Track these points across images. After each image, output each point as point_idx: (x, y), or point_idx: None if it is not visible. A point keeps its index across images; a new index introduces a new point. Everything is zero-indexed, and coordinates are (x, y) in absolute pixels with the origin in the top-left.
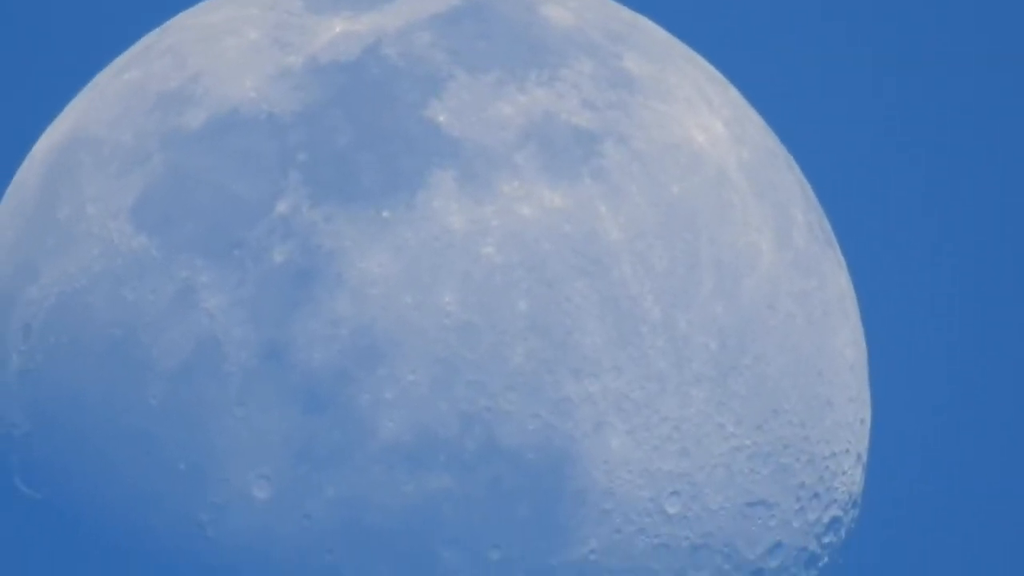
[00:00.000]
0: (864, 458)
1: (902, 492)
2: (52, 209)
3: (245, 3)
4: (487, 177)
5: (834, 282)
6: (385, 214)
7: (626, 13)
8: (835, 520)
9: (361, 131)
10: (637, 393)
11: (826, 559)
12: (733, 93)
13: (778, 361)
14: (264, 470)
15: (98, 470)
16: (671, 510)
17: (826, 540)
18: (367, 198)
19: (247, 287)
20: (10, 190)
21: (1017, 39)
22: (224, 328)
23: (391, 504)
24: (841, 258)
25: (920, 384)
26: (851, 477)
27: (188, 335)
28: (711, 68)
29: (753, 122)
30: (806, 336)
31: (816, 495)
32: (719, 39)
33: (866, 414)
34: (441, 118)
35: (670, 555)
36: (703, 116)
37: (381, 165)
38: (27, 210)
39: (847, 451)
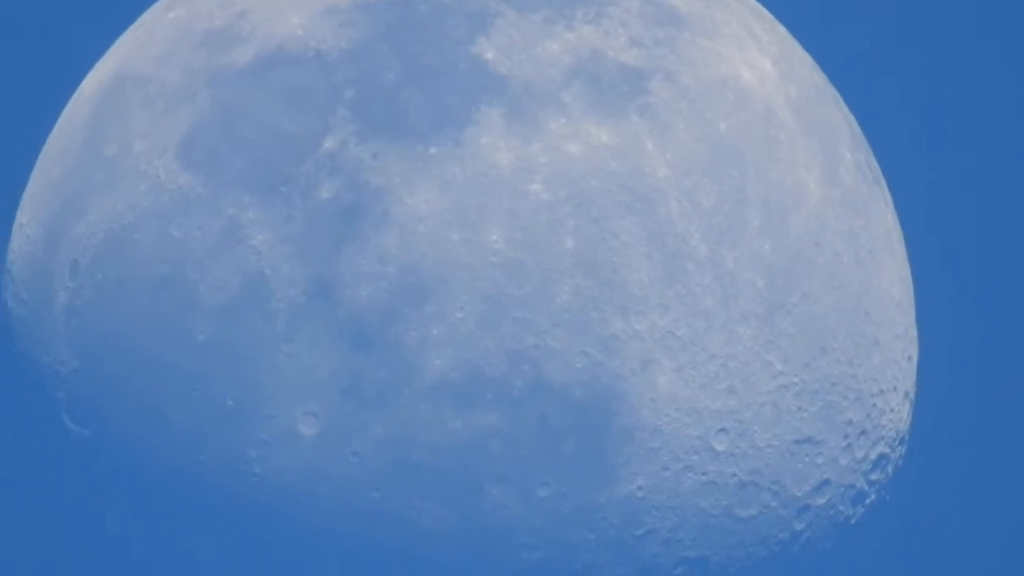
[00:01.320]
0: (911, 395)
1: (950, 429)
2: (99, 147)
3: None
4: (534, 114)
5: (881, 220)
6: (432, 151)
7: None
8: (882, 457)
9: (408, 68)
10: (684, 331)
11: (873, 496)
12: (781, 30)
13: (825, 299)
14: (311, 407)
15: (145, 407)
16: (718, 448)
17: (873, 477)
18: (414, 135)
19: (294, 224)
20: (57, 128)
21: None
22: (271, 265)
23: (438, 442)
24: (888, 196)
25: (967, 321)
26: (898, 414)
27: (235, 272)
28: (758, 5)
29: (801, 59)
30: (853, 274)
31: (863, 432)
32: None
33: (913, 352)
34: (489, 55)
35: (717, 492)
36: (751, 53)
37: (428, 102)
38: (74, 148)
39: (894, 389)
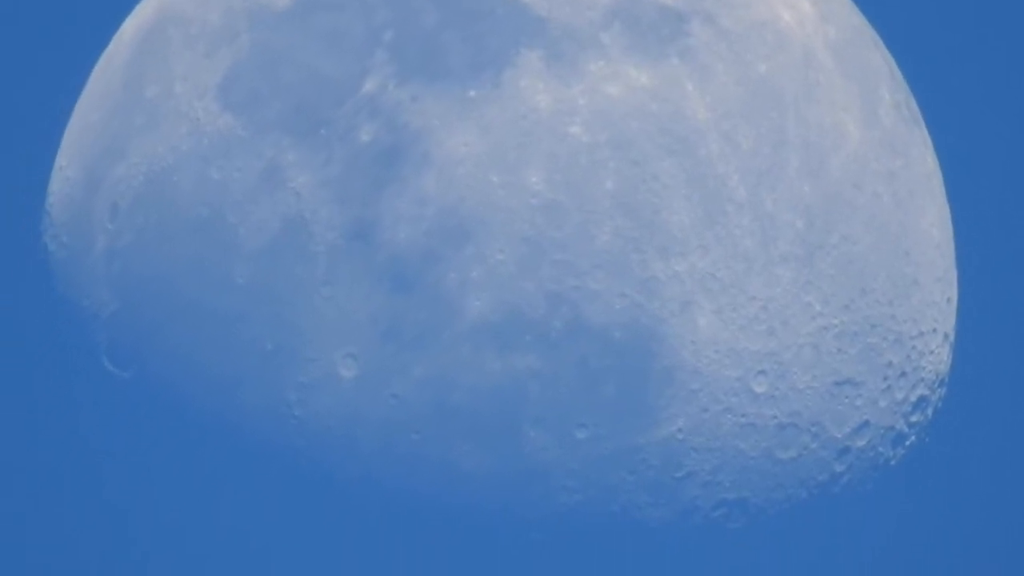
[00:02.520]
0: (951, 337)
1: (989, 371)
2: (140, 88)
3: None
4: (573, 57)
5: (921, 161)
6: (471, 93)
7: None
8: (922, 399)
9: (447, 10)
10: (724, 272)
11: (913, 438)
12: None
13: (865, 240)
14: (351, 350)
15: (185, 349)
16: (758, 389)
17: (913, 419)
18: (453, 77)
19: (334, 166)
20: (97, 70)
21: None
22: (311, 207)
23: (477, 384)
24: (928, 137)
25: (1007, 262)
26: (938, 356)
27: (274, 214)
28: None
29: (839, 0)
30: (893, 216)
31: (903, 374)
32: None
33: (953, 293)
34: None
35: (757, 434)
36: None
37: (467, 44)
38: (115, 89)
39: (934, 330)
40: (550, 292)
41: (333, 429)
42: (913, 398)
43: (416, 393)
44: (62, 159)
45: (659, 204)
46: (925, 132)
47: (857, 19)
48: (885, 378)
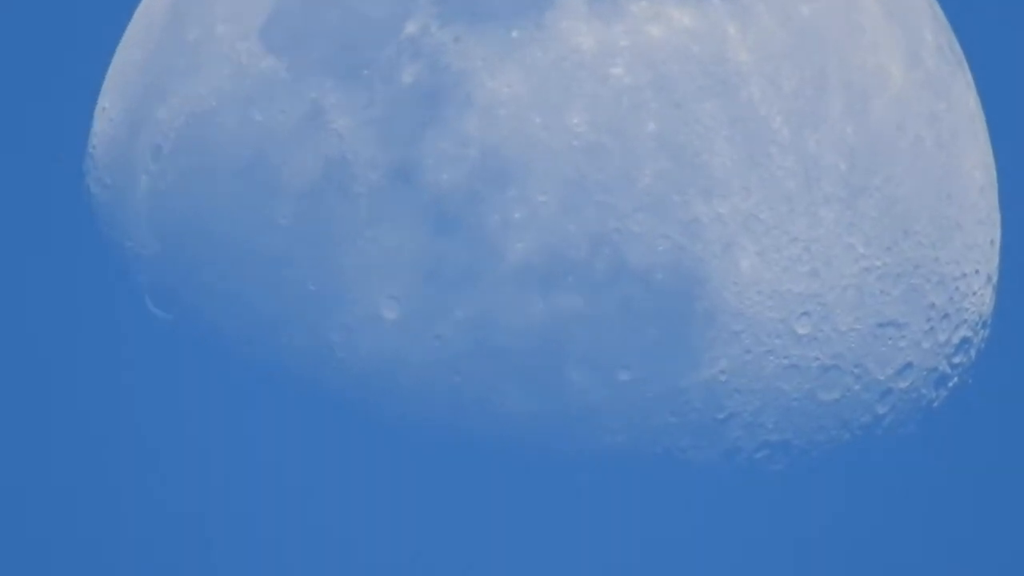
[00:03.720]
0: (994, 279)
1: None
2: (182, 30)
3: None
4: None
5: (963, 103)
6: (514, 34)
7: None
8: (965, 341)
9: None
10: (766, 214)
11: (956, 380)
12: None
13: (908, 182)
14: (393, 291)
15: (228, 291)
16: (801, 331)
17: (956, 361)
18: (496, 18)
19: (376, 108)
20: (139, 12)
21: None
22: (353, 149)
23: (520, 325)
24: (971, 79)
25: None
26: (981, 298)
27: (317, 156)
28: None
29: None
30: (935, 158)
31: (946, 315)
32: None
33: (996, 235)
34: None
35: (800, 376)
36: None
37: None
38: (156, 31)
39: (977, 272)
40: (592, 234)
41: (375, 370)
42: (956, 340)
43: (458, 334)
44: (104, 101)
45: (701, 146)
46: (968, 74)
47: None
48: (928, 319)
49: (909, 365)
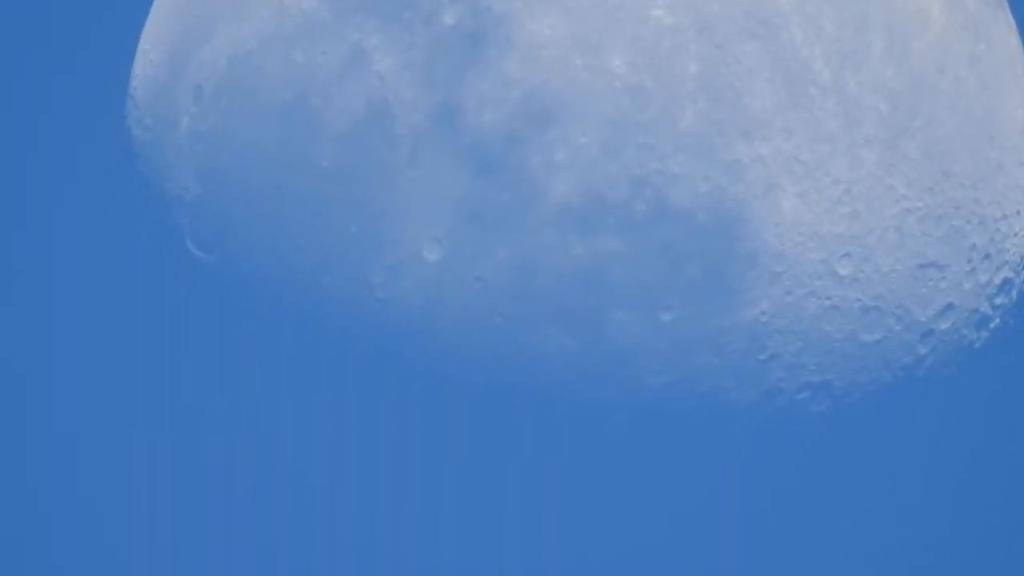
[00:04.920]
0: None
1: None
2: None
3: None
4: None
5: (1004, 45)
6: None
7: None
8: (1006, 282)
9: None
10: (807, 155)
11: (997, 321)
12: None
13: (948, 124)
14: (435, 232)
15: (269, 233)
16: (842, 272)
17: (997, 302)
18: None
19: (417, 49)
20: None
21: None
22: (395, 90)
23: (562, 266)
24: (1012, 20)
25: None
26: (1022, 239)
27: (359, 97)
28: None
29: None
30: (976, 99)
31: (987, 256)
32: None
33: None
34: None
35: (841, 317)
36: None
37: None
38: None
39: (1018, 213)
40: (633, 175)
41: (417, 312)
42: (997, 281)
43: (500, 276)
44: (146, 43)
45: (742, 87)
46: (1009, 15)
47: None
48: (969, 261)
49: (950, 306)
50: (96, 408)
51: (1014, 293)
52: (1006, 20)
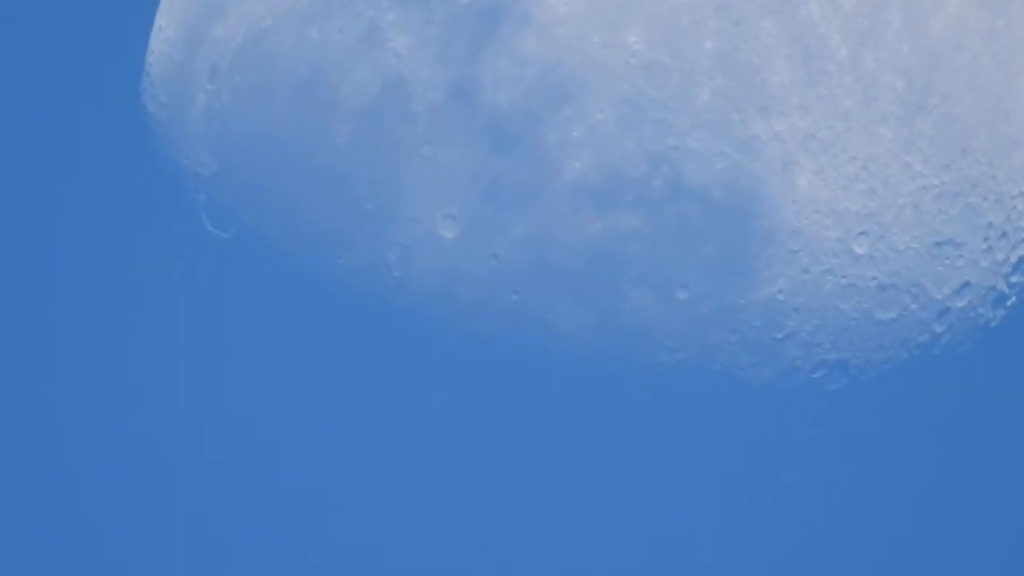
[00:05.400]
0: None
1: None
2: None
3: None
4: None
5: (1022, 21)
6: None
7: None
8: (1023, 260)
9: None
10: (824, 132)
11: (1013, 299)
12: None
13: (965, 101)
14: (451, 209)
15: (285, 210)
16: (859, 250)
17: (1014, 280)
18: None
19: (434, 26)
20: None
21: None
22: (411, 67)
23: (578, 243)
24: None
25: None
26: None
27: (375, 75)
28: None
29: None
30: (993, 76)
31: (1004, 234)
32: None
33: None
34: None
35: (857, 295)
36: None
37: None
38: None
39: None
40: (650, 152)
41: (433, 288)
42: (1014, 259)
43: (516, 253)
44: (161, 19)
45: (760, 64)
46: None
47: None
48: (985, 239)
49: (967, 284)
50: (112, 384)
51: None
52: None
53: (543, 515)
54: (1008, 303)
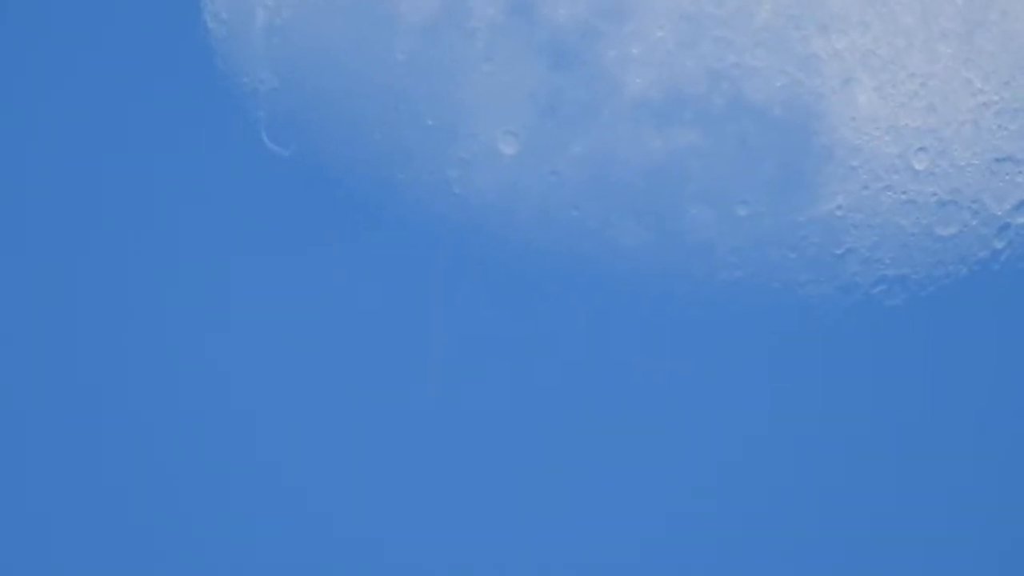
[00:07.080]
0: None
1: None
2: None
3: None
4: None
5: None
6: None
7: None
8: None
9: None
10: (884, 49)
11: None
12: None
13: None
14: (511, 126)
15: (345, 126)
16: (918, 166)
17: None
18: None
19: None
20: None
21: None
22: None
23: (638, 160)
24: None
25: None
26: None
27: None
28: None
29: None
30: None
31: None
32: None
33: None
34: None
35: (917, 211)
36: None
37: None
38: None
39: None
40: (710, 69)
41: (493, 204)
42: None
43: (576, 169)
44: None
45: None
46: None
47: None
48: None
49: None
50: (170, 301)
51: None
52: None
53: (602, 429)
54: None
